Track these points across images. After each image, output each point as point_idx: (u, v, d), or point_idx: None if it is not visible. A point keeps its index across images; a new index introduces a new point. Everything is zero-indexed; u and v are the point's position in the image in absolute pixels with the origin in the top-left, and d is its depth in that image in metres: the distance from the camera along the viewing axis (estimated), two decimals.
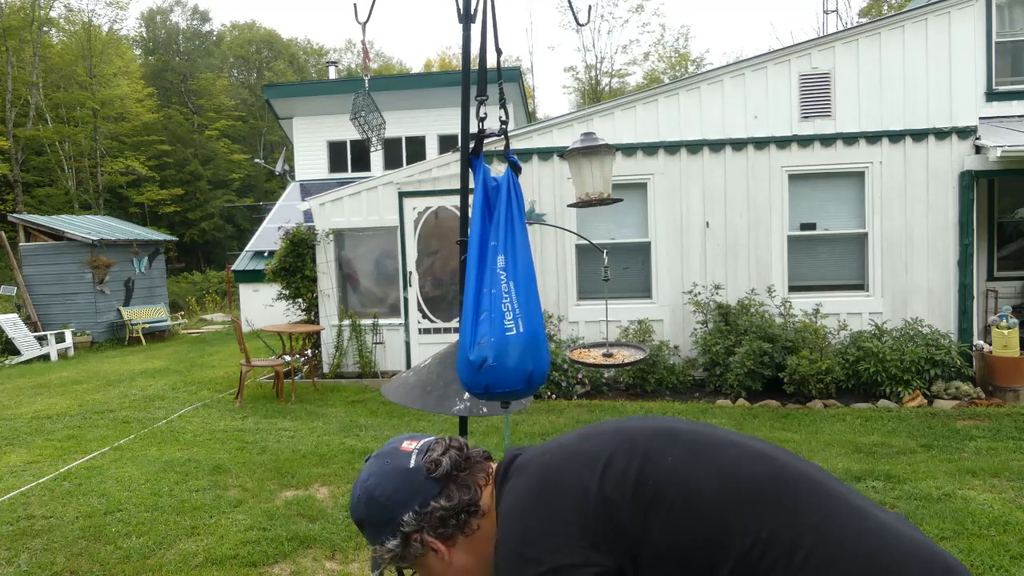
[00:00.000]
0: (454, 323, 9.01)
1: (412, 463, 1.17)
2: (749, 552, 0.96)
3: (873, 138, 7.97)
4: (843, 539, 0.98)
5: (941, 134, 7.85)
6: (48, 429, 7.14)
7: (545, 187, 8.54)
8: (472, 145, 1.96)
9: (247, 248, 15.90)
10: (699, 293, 8.20)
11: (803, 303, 7.89)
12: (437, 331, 9.19)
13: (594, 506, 1.02)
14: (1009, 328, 7.17)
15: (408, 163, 13.69)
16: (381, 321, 9.39)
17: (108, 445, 6.40)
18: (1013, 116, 8.12)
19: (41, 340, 13.23)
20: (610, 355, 2.87)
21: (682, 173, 8.33)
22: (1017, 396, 7.03)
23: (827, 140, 8.05)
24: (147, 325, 15.29)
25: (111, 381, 10.06)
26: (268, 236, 14.78)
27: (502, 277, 1.75)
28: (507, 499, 1.11)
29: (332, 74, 20.54)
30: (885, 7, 26.56)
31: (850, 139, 8.01)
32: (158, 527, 4.40)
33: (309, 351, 9.64)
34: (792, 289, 8.18)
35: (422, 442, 1.21)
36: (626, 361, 2.86)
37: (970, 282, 7.80)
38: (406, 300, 9.23)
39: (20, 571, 3.87)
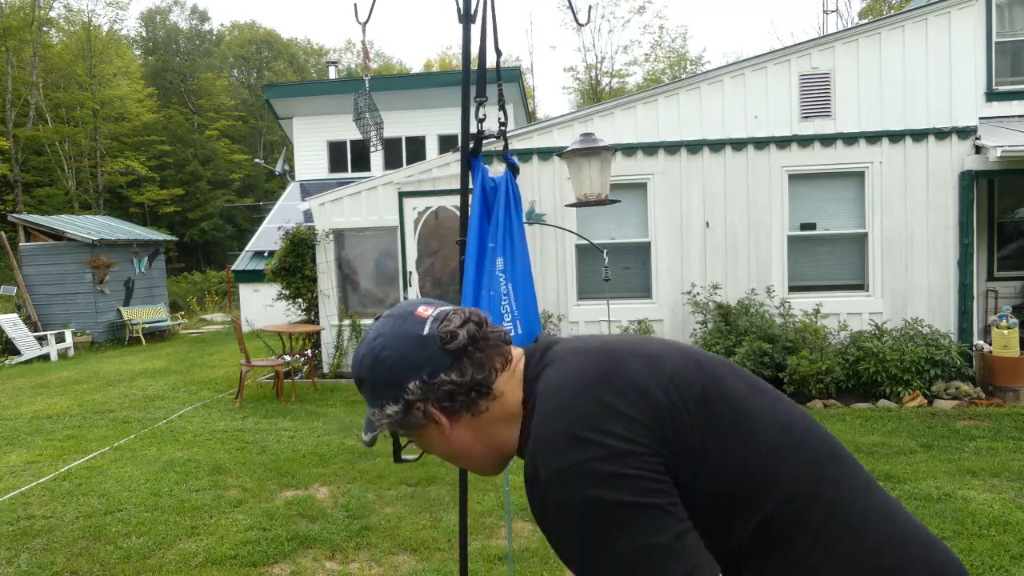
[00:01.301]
0: None
1: (426, 330, 1.07)
2: (789, 503, 0.96)
3: (873, 138, 7.97)
4: (878, 514, 0.99)
5: (941, 134, 7.84)
6: (48, 429, 7.14)
7: (545, 187, 8.54)
8: (471, 146, 1.96)
9: (247, 248, 15.90)
10: (699, 293, 8.20)
11: (803, 303, 7.89)
12: None
13: (660, 404, 0.96)
14: (1009, 328, 7.17)
15: (408, 163, 13.69)
16: None
17: (108, 445, 6.40)
18: (1013, 116, 8.11)
19: (41, 340, 13.23)
20: None
21: (682, 173, 8.33)
22: (1017, 396, 7.03)
23: (827, 140, 8.05)
24: (147, 325, 15.28)
25: (111, 381, 10.06)
26: (268, 236, 14.78)
27: (501, 279, 1.75)
28: (555, 379, 1.02)
29: (332, 74, 20.55)
30: (885, 7, 26.55)
31: (850, 139, 8.01)
32: (158, 527, 4.40)
33: (309, 351, 9.64)
34: (792, 289, 8.18)
35: (439, 310, 1.10)
36: None
37: (970, 282, 7.80)
38: (406, 300, 9.22)
39: (20, 571, 3.87)
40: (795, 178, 8.19)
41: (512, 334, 1.72)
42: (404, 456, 1.21)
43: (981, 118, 7.98)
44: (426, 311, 1.10)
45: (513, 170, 1.84)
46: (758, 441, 0.99)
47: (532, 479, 0.96)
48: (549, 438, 0.96)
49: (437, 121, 16.37)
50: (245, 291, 15.58)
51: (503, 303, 1.73)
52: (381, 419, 1.09)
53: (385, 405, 1.08)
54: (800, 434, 1.03)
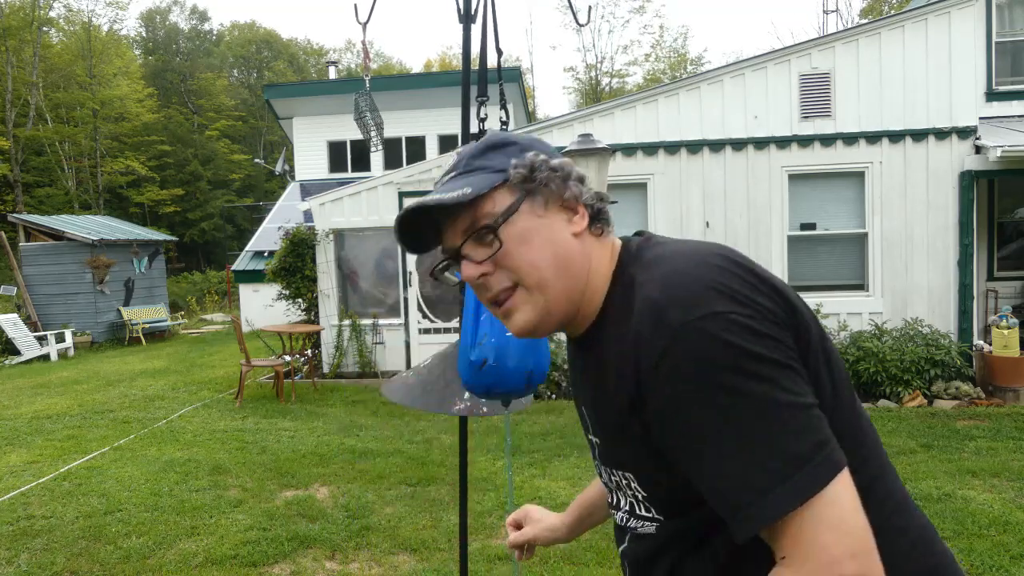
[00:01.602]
0: (454, 323, 9.01)
1: None
2: (856, 481, 0.90)
3: (873, 138, 7.97)
4: (913, 516, 0.98)
5: (941, 134, 7.84)
6: (48, 429, 7.14)
7: None
8: None
9: (247, 248, 15.91)
10: None
11: None
12: (437, 331, 9.19)
13: (793, 302, 0.90)
14: (1009, 328, 7.17)
15: (408, 163, 13.68)
16: (381, 321, 9.39)
17: (108, 445, 6.40)
18: (1013, 116, 8.12)
19: (41, 340, 13.23)
20: None
21: (682, 173, 8.33)
22: (1017, 396, 7.03)
23: (827, 140, 8.05)
24: (147, 325, 15.28)
25: (111, 381, 10.06)
26: (268, 236, 14.78)
27: None
28: (684, 249, 0.93)
29: (332, 74, 20.56)
30: (885, 7, 26.56)
31: (850, 139, 8.01)
32: (158, 527, 4.40)
33: (309, 351, 9.64)
34: (792, 289, 8.17)
35: None
36: None
37: (970, 282, 7.80)
38: (406, 300, 9.23)
39: (20, 571, 3.87)
40: (795, 178, 8.19)
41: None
42: (444, 276, 1.05)
43: (981, 118, 7.98)
44: None
45: None
46: (851, 411, 0.94)
47: (656, 323, 0.83)
48: (687, 283, 0.85)
49: (437, 121, 16.36)
50: (245, 291, 15.59)
51: None
52: (534, 166, 0.95)
53: (548, 157, 0.97)
54: (868, 423, 1.00)
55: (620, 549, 1.09)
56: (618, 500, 1.07)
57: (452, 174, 1.00)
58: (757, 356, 0.80)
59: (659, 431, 0.86)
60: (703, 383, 0.80)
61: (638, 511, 1.01)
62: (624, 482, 1.01)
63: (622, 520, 1.06)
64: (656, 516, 0.98)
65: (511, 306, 0.97)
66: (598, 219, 1.00)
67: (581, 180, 0.99)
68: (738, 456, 0.79)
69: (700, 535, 0.93)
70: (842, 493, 0.78)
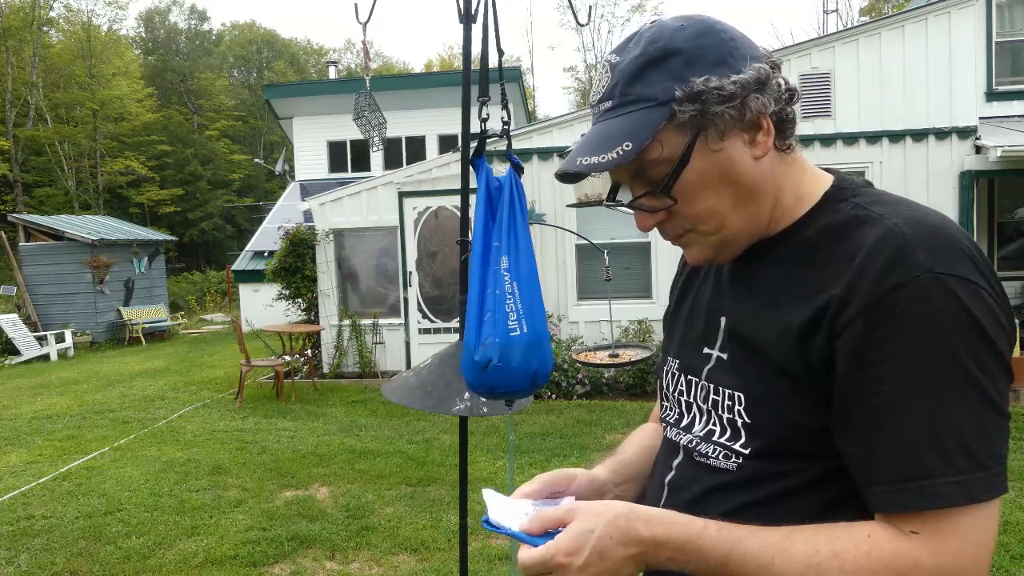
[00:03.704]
0: (454, 323, 9.00)
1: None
2: None
3: (873, 138, 7.97)
4: None
5: (941, 134, 7.84)
6: (48, 429, 7.14)
7: (545, 187, 8.53)
8: (474, 146, 1.96)
9: (247, 248, 15.90)
10: None
11: None
12: (437, 331, 9.18)
13: (1009, 312, 0.85)
14: None
15: (408, 163, 13.67)
16: (381, 321, 9.39)
17: (108, 445, 6.40)
18: (1013, 116, 8.11)
19: (41, 340, 13.23)
20: (616, 355, 2.89)
21: None
22: (1017, 396, 7.03)
23: (827, 140, 8.05)
24: (147, 325, 15.28)
25: (111, 381, 10.06)
26: (268, 236, 14.77)
27: (506, 278, 1.75)
28: (921, 208, 0.85)
29: (332, 74, 20.55)
30: (885, 7, 26.57)
31: (850, 139, 8.01)
32: (158, 527, 4.40)
33: (309, 351, 9.64)
34: None
35: None
36: (633, 359, 2.88)
37: None
38: (406, 300, 9.23)
39: (20, 571, 3.87)
40: None
41: (518, 333, 1.72)
42: (619, 208, 0.99)
43: (981, 118, 7.98)
44: None
45: (517, 169, 1.84)
46: None
47: (896, 257, 0.77)
48: (941, 236, 0.79)
49: (437, 121, 16.35)
50: (245, 291, 15.58)
51: (508, 301, 1.73)
52: (713, 91, 0.82)
53: (726, 75, 0.83)
54: None
55: (664, 478, 1.00)
56: (692, 420, 0.99)
57: (607, 104, 0.88)
58: (992, 345, 0.76)
59: (846, 368, 0.79)
60: (932, 342, 0.75)
61: (722, 439, 0.92)
62: (726, 403, 0.92)
63: (690, 442, 0.97)
64: (743, 450, 0.89)
65: (684, 243, 0.94)
66: (788, 126, 0.89)
67: (763, 85, 0.85)
68: (933, 431, 0.75)
69: (790, 488, 0.85)
70: (996, 515, 0.77)
